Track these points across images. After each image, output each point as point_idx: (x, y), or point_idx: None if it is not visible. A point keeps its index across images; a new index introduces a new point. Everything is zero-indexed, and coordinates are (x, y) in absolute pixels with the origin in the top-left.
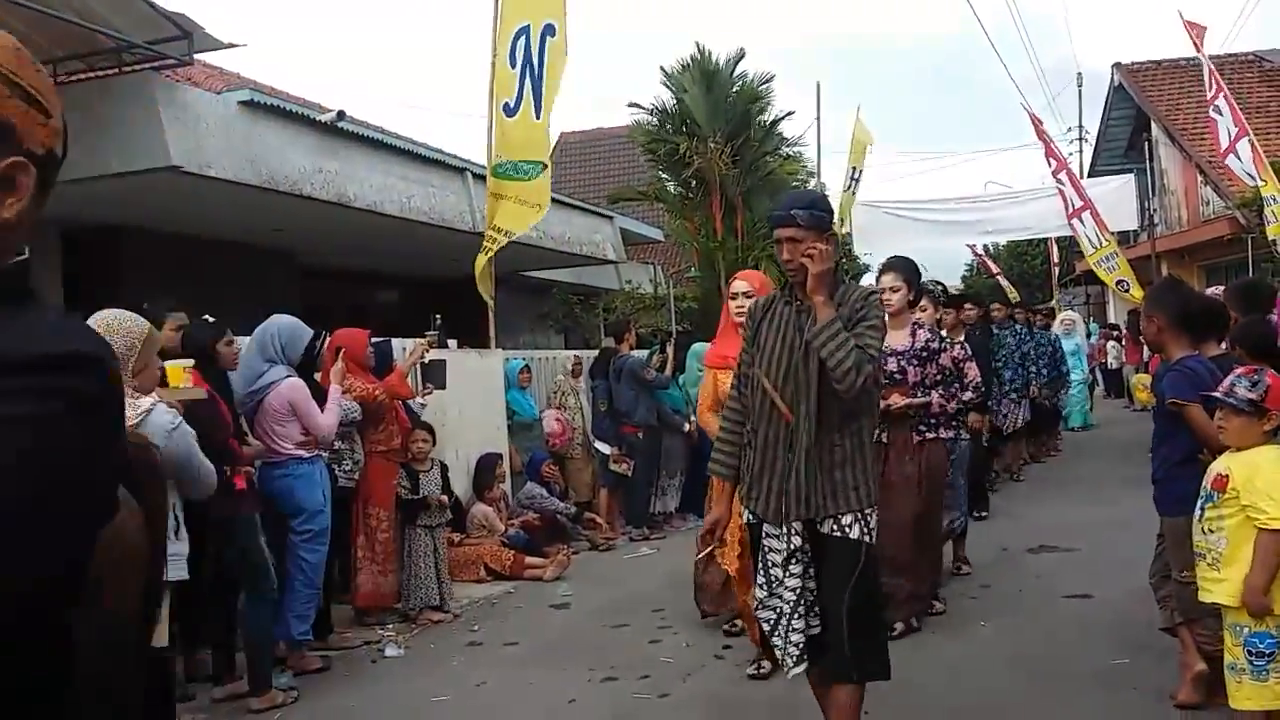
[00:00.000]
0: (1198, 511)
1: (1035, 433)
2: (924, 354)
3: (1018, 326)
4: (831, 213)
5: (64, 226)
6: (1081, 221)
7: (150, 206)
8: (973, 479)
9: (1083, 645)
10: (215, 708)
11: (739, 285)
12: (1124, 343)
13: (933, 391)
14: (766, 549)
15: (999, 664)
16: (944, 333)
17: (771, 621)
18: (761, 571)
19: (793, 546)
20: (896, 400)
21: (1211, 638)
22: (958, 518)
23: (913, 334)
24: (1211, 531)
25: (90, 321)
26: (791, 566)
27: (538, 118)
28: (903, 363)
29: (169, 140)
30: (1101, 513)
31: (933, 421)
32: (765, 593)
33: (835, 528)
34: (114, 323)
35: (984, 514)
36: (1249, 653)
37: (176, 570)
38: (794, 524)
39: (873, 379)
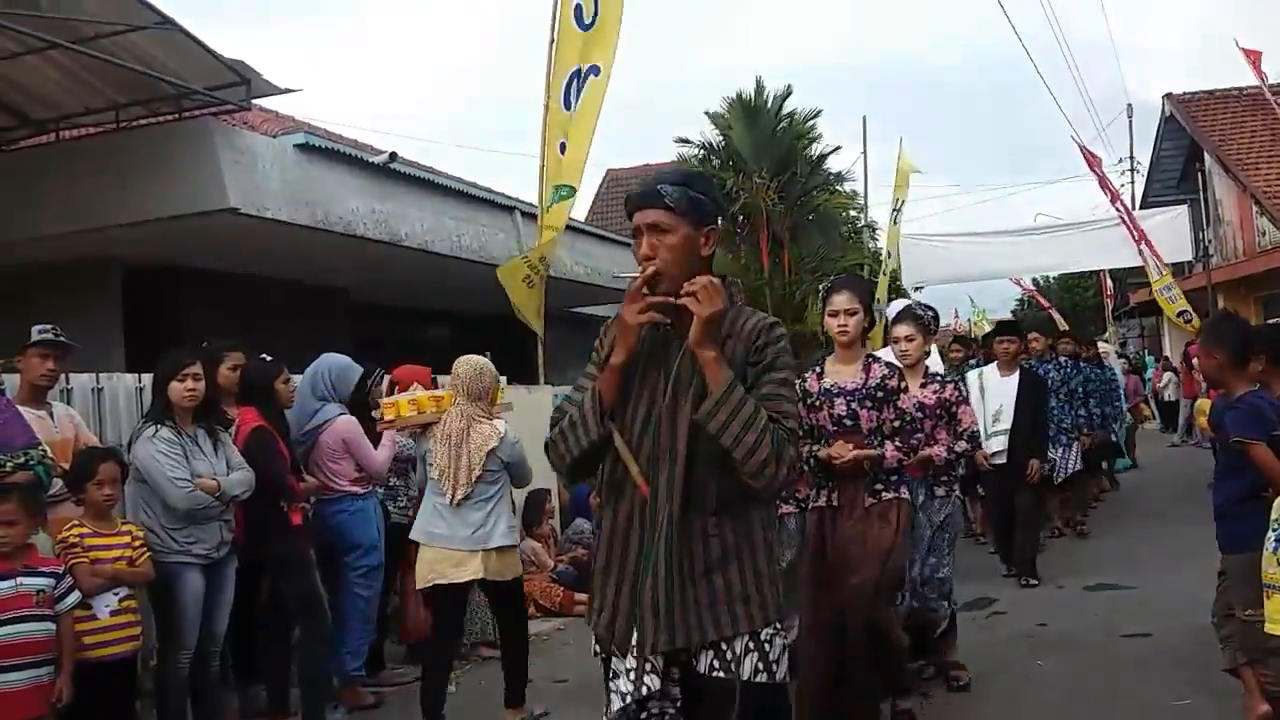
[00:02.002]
0: (1271, 544)
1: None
2: (879, 394)
3: (1062, 360)
4: (717, 201)
5: (126, 266)
6: (1142, 251)
7: (208, 247)
8: (1024, 541)
9: (1142, 684)
10: None
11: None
12: (1180, 375)
13: (888, 441)
14: (610, 693)
15: (1055, 703)
16: (933, 367)
17: None
18: None
19: (645, 692)
20: (840, 453)
21: (1276, 678)
22: (937, 602)
23: (866, 369)
24: None
25: (461, 361)
26: None
27: (564, 151)
28: (853, 404)
29: (227, 183)
30: (1160, 550)
31: (891, 479)
32: None
33: (716, 663)
34: (481, 364)
35: (1034, 582)
36: None
37: None
38: (650, 658)
39: (798, 457)
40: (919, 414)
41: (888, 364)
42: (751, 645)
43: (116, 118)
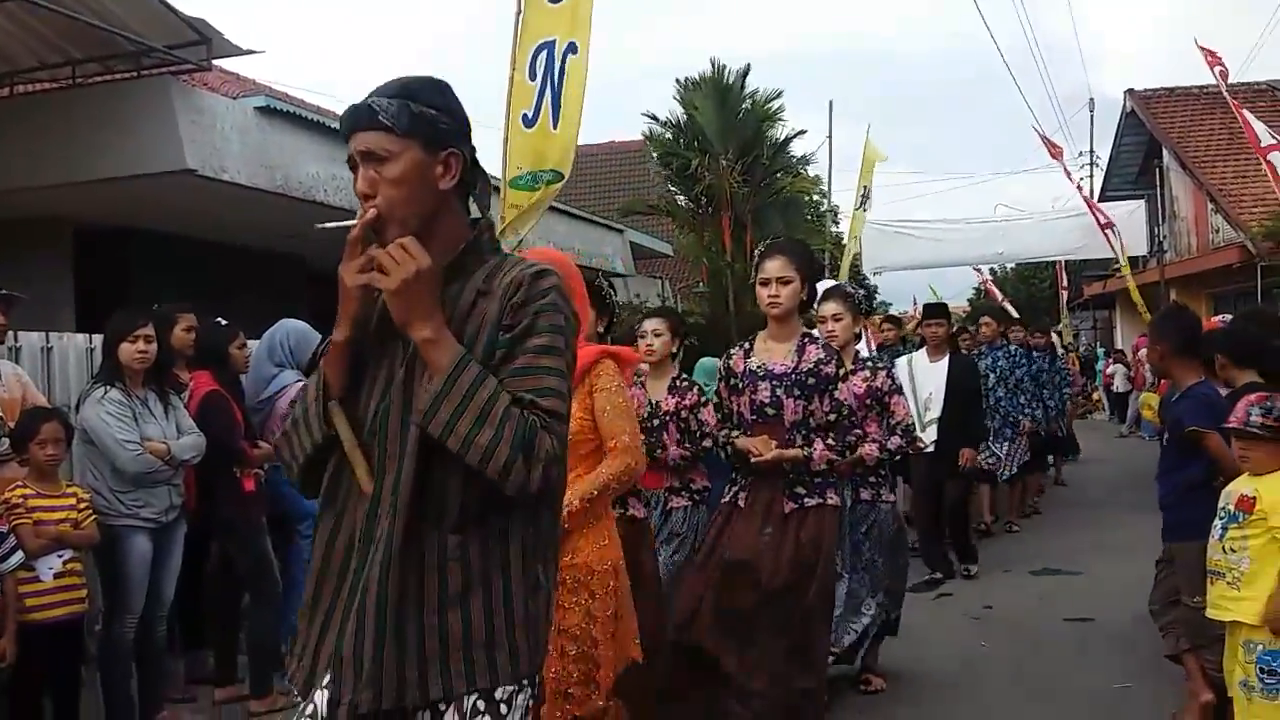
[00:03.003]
0: (1218, 531)
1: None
2: (811, 381)
3: (1012, 348)
4: (457, 115)
5: (77, 226)
6: (1113, 234)
7: (164, 209)
8: (956, 531)
9: (1084, 668)
10: (216, 709)
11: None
12: (1130, 368)
13: (817, 439)
14: None
15: (999, 684)
16: (865, 349)
17: None
18: None
19: None
20: (759, 449)
21: (1218, 664)
22: (867, 621)
23: (800, 350)
24: (1233, 550)
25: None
26: None
27: (554, 129)
28: (779, 391)
29: (185, 144)
30: (1105, 537)
31: (816, 480)
32: None
33: None
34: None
35: (973, 569)
36: (1261, 670)
37: None
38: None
39: (557, 455)
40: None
41: (826, 346)
42: (483, 707)
43: (73, 74)
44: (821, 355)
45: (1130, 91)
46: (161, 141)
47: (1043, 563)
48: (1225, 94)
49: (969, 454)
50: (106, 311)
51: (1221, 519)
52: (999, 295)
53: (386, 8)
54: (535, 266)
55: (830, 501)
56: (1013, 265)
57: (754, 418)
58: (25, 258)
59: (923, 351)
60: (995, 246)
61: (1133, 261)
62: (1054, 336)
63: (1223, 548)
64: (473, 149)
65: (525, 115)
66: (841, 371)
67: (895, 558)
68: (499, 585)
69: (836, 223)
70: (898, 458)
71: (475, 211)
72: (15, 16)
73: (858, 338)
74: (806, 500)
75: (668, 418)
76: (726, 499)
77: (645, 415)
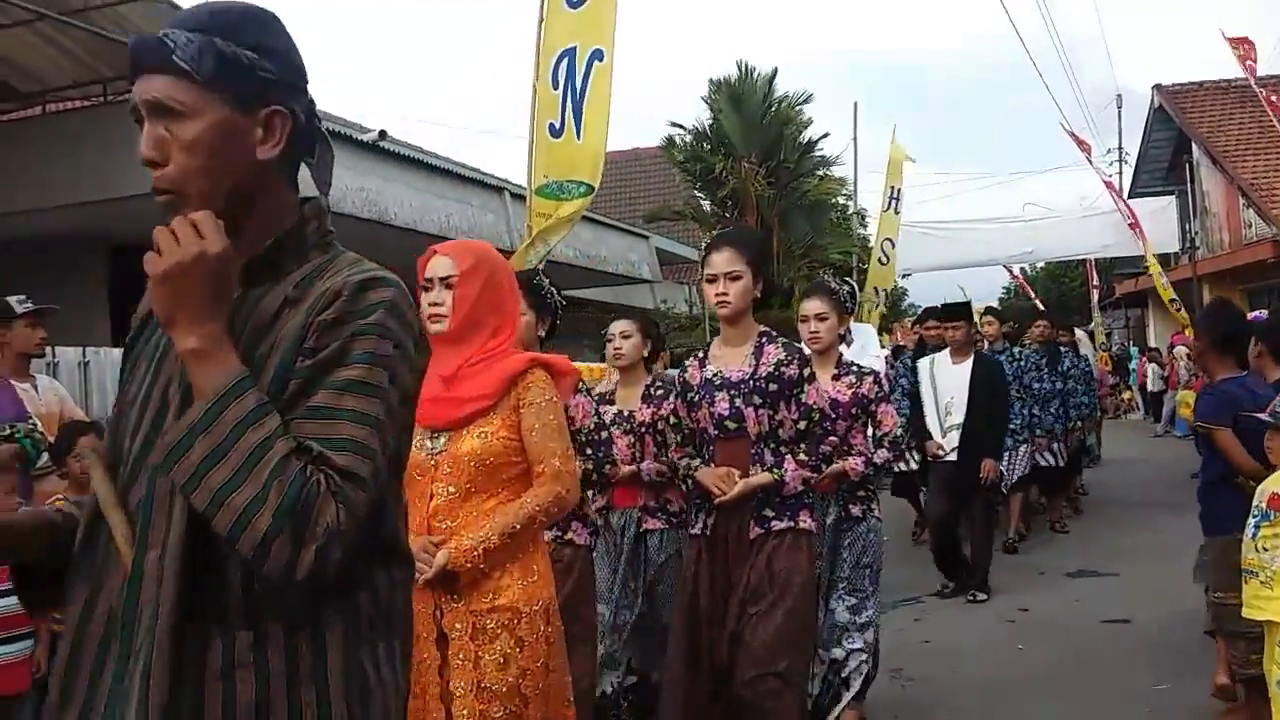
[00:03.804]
0: (1251, 529)
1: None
2: (773, 386)
3: (1015, 351)
4: (287, 61)
5: (112, 242)
6: (1137, 232)
7: None
8: (977, 552)
9: (1122, 670)
10: None
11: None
12: (1165, 367)
13: (788, 456)
14: None
15: (1035, 686)
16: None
17: None
18: None
19: None
20: (721, 487)
21: (1243, 660)
22: (858, 655)
23: (757, 352)
24: (1266, 550)
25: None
26: None
27: (579, 139)
28: (737, 401)
29: None
30: (1141, 538)
31: (789, 501)
32: None
33: None
34: None
35: (982, 597)
36: None
37: None
38: None
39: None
40: (832, 413)
41: (786, 344)
42: None
43: (104, 91)
44: (782, 355)
45: (1158, 87)
46: None
47: (1079, 564)
48: (1254, 86)
49: (990, 465)
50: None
51: (1255, 518)
52: (1032, 293)
53: (409, 15)
54: (367, 273)
55: (803, 525)
56: (1043, 264)
57: (716, 433)
58: (62, 274)
59: (945, 353)
60: (1024, 246)
61: (1165, 258)
62: (1082, 335)
63: (1256, 546)
64: (308, 104)
65: (551, 125)
66: (807, 371)
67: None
68: (309, 695)
69: (864, 225)
70: (885, 470)
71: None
72: (48, 36)
73: (844, 338)
74: (775, 524)
75: (643, 429)
76: (695, 530)
77: (591, 426)
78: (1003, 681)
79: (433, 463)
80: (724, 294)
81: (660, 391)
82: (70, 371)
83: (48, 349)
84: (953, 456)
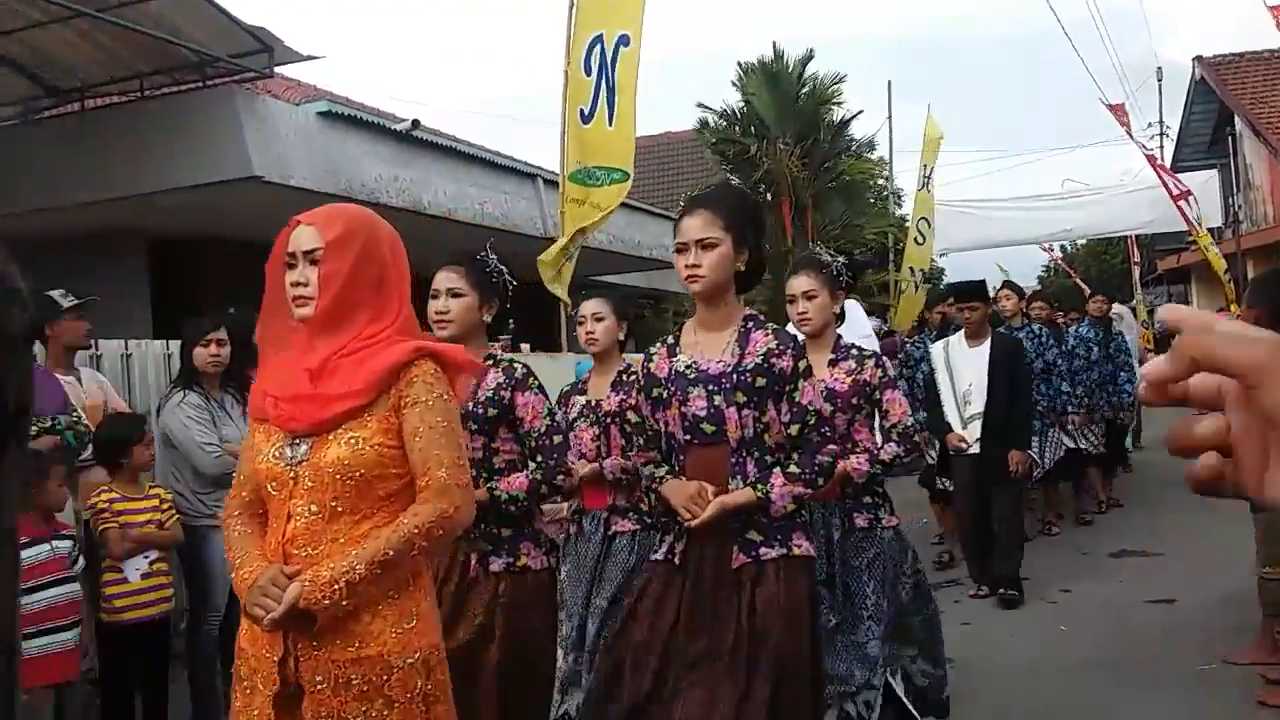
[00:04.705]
0: None
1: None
2: (761, 381)
3: (1035, 328)
4: None
5: (152, 236)
6: (1188, 205)
7: (232, 216)
8: (1006, 550)
9: (1166, 650)
10: None
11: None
12: None
13: (775, 469)
14: None
15: (1079, 667)
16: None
17: None
18: None
19: None
20: (692, 509)
21: None
22: (866, 686)
23: (742, 340)
24: None
25: None
26: None
27: (610, 125)
28: (717, 399)
29: (251, 151)
30: (1184, 517)
31: (779, 522)
32: None
33: None
34: None
35: (1013, 593)
36: None
37: None
38: None
39: None
40: (830, 407)
41: (778, 330)
42: None
43: (141, 86)
44: (773, 344)
45: (1199, 59)
46: (228, 149)
47: (1121, 545)
48: None
49: (1019, 457)
50: (183, 318)
51: None
52: (1072, 271)
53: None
54: None
55: (798, 550)
56: (1083, 241)
57: (688, 438)
58: (104, 267)
59: (960, 335)
60: (1064, 223)
61: (1209, 233)
62: (1124, 310)
63: None
64: None
65: (582, 110)
66: (804, 365)
67: (921, 602)
68: None
69: (900, 204)
70: (895, 468)
71: None
72: (85, 33)
73: (839, 318)
74: (763, 551)
75: (609, 419)
76: (659, 555)
77: (542, 428)
78: (1046, 663)
79: (292, 475)
80: (695, 266)
81: (632, 378)
82: (114, 363)
83: (91, 342)
84: (975, 449)
